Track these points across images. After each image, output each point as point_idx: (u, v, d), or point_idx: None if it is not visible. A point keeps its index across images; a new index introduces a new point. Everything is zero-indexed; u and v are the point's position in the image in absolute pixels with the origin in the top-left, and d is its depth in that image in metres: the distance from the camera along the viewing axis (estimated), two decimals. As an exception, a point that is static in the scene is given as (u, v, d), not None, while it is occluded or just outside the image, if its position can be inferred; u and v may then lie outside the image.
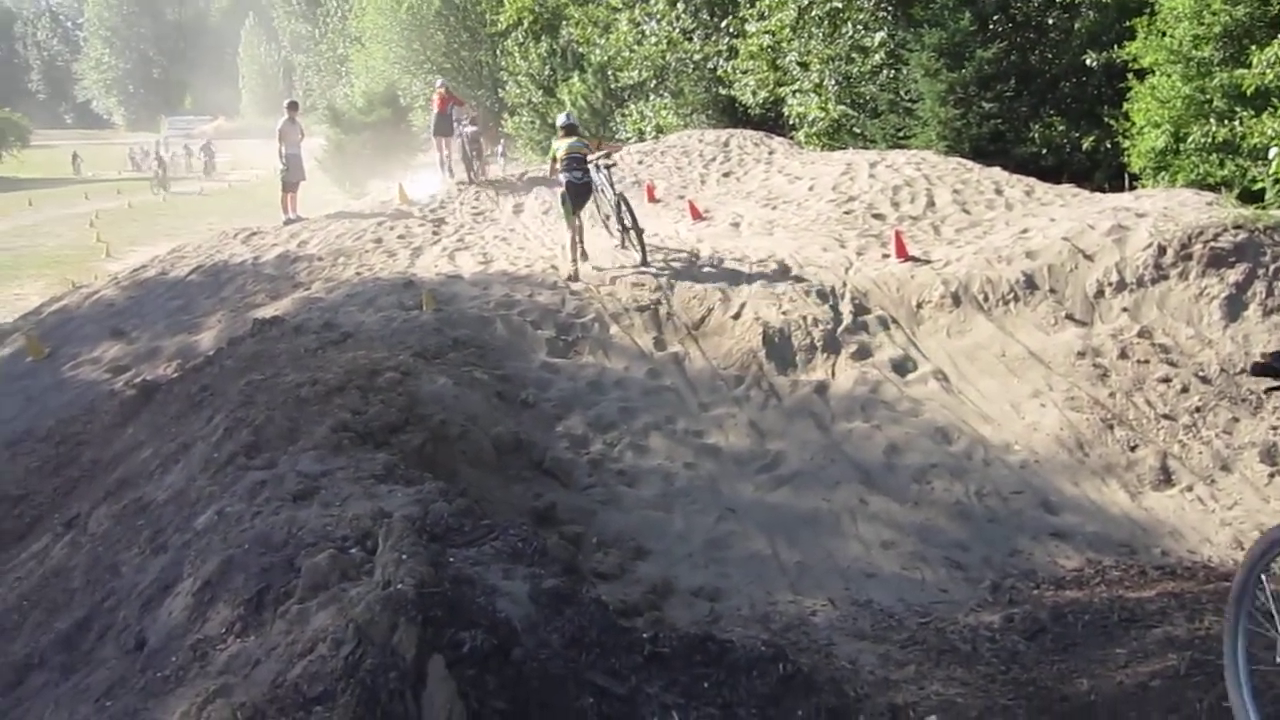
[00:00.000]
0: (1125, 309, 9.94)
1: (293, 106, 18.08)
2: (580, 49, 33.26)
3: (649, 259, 11.97)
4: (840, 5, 22.08)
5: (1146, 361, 9.18)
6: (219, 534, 5.43)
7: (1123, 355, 9.28)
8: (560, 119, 13.20)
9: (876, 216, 13.46)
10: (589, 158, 12.70)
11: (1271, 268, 9.78)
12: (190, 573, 5.08)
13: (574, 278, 11.74)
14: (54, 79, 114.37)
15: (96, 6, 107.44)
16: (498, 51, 39.80)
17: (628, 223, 12.29)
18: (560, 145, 12.65)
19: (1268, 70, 13.54)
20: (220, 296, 13.32)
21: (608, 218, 12.93)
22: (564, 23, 34.63)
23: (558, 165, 12.55)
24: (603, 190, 12.80)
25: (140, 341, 12.41)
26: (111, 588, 5.84)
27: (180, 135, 71.34)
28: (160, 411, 9.38)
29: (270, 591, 4.60)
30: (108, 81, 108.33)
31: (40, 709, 4.93)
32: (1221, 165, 14.56)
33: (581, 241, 12.38)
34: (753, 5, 24.57)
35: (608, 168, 13.03)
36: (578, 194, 12.39)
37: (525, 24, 36.27)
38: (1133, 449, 8.29)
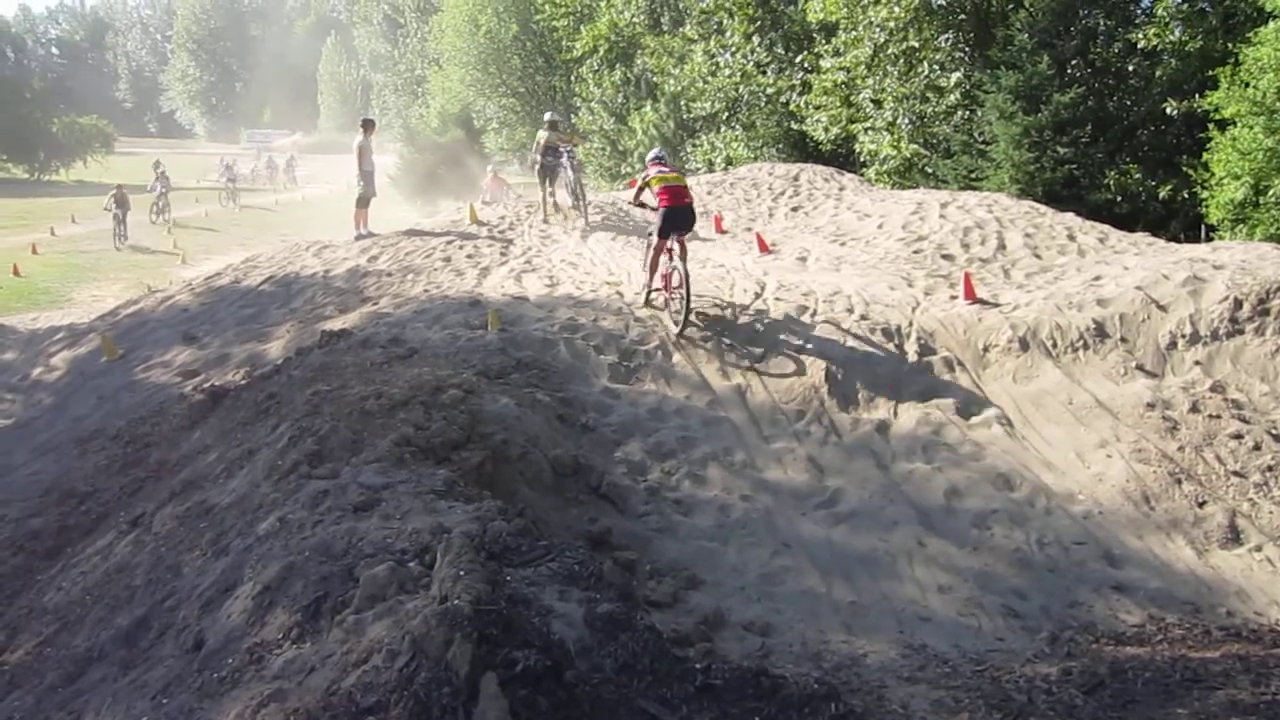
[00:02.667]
0: (1198, 362, 9.75)
1: (368, 124, 18.30)
2: (654, 78, 33.48)
3: (589, 223, 16.75)
4: (917, 45, 22.05)
5: (1218, 416, 8.98)
6: (280, 540, 5.50)
7: (1194, 409, 9.09)
8: (546, 116, 18.84)
9: (946, 257, 13.35)
10: (561, 148, 17.39)
11: (1353, 327, 9.55)
12: (250, 577, 5.15)
13: (546, 221, 17.17)
14: (141, 89, 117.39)
15: (185, 20, 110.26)
16: (572, 78, 40.20)
17: (580, 195, 17.12)
18: (543, 135, 17.56)
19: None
20: (290, 307, 13.54)
21: (565, 186, 17.54)
22: (639, 52, 34.89)
23: (539, 149, 17.41)
24: (566, 171, 17.37)
25: (211, 347, 12.66)
26: (172, 587, 5.95)
27: (258, 148, 72.90)
28: (227, 417, 9.55)
29: (328, 600, 4.65)
30: (192, 93, 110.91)
31: (98, 702, 5.02)
32: (1303, 220, 14.29)
33: (555, 202, 17.60)
34: (828, 41, 24.60)
35: (570, 155, 17.51)
36: (547, 171, 17.37)
37: (601, 52, 36.56)
38: (1201, 505, 8.10)
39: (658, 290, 11.54)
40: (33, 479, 10.08)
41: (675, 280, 11.04)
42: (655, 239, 11.41)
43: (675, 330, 10.92)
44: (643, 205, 11.78)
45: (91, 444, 10.59)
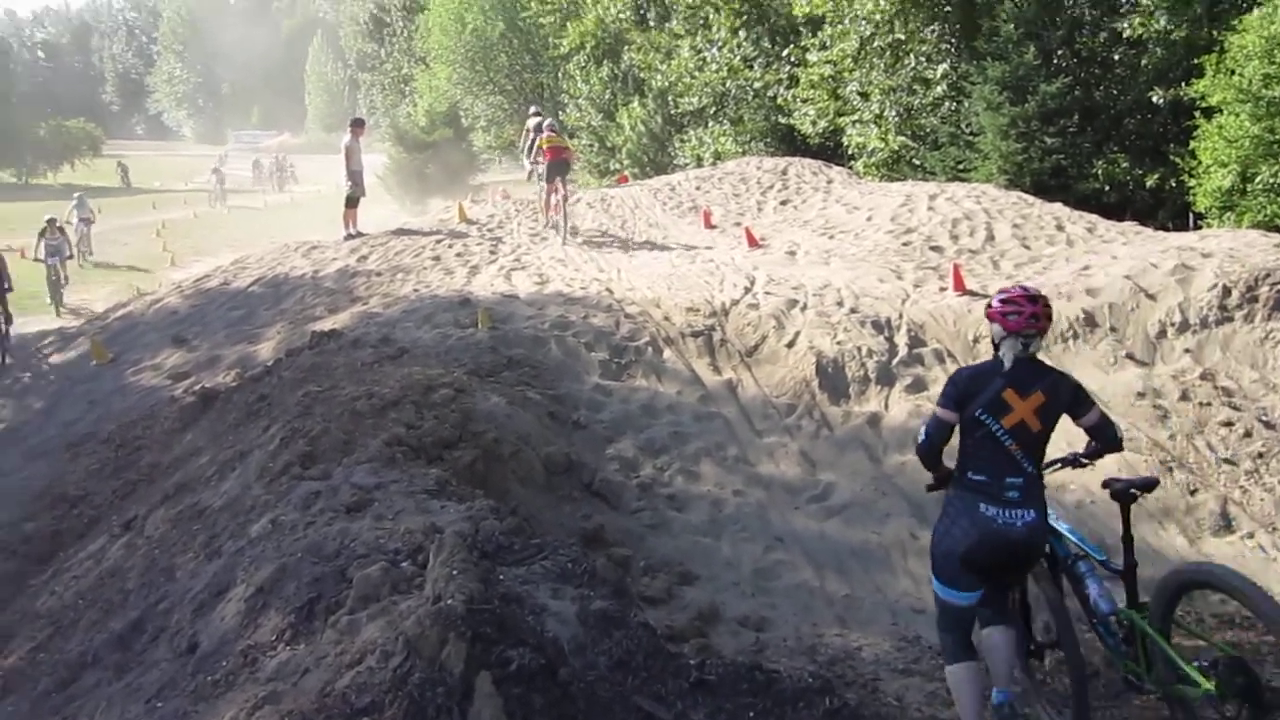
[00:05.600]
0: (1188, 350, 9.77)
1: (357, 125, 18.20)
2: (641, 74, 33.42)
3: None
4: (903, 37, 22.05)
5: (1208, 404, 9.00)
6: (273, 542, 5.49)
7: (1184, 397, 9.11)
8: (533, 109, 22.52)
9: (935, 249, 13.36)
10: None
11: (1340, 313, 9.58)
12: (243, 579, 5.14)
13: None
14: (127, 91, 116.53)
15: (170, 22, 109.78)
16: (559, 75, 40.05)
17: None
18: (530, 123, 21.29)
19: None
20: (280, 308, 13.51)
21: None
22: (626, 48, 34.81)
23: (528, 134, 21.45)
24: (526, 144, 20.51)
25: (201, 350, 12.63)
26: (166, 590, 5.94)
27: (246, 149, 72.58)
28: (219, 419, 9.54)
29: (321, 601, 4.65)
30: (178, 95, 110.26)
31: (92, 707, 5.01)
32: (1290, 207, 14.33)
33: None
34: (815, 35, 24.60)
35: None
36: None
37: (587, 48, 36.45)
38: (1192, 493, 8.13)
39: (554, 218, 16.32)
40: (24, 483, 10.06)
41: (560, 207, 16.03)
42: (544, 183, 16.74)
43: (561, 242, 15.51)
44: (536, 163, 17.52)
45: (83, 448, 10.56)
